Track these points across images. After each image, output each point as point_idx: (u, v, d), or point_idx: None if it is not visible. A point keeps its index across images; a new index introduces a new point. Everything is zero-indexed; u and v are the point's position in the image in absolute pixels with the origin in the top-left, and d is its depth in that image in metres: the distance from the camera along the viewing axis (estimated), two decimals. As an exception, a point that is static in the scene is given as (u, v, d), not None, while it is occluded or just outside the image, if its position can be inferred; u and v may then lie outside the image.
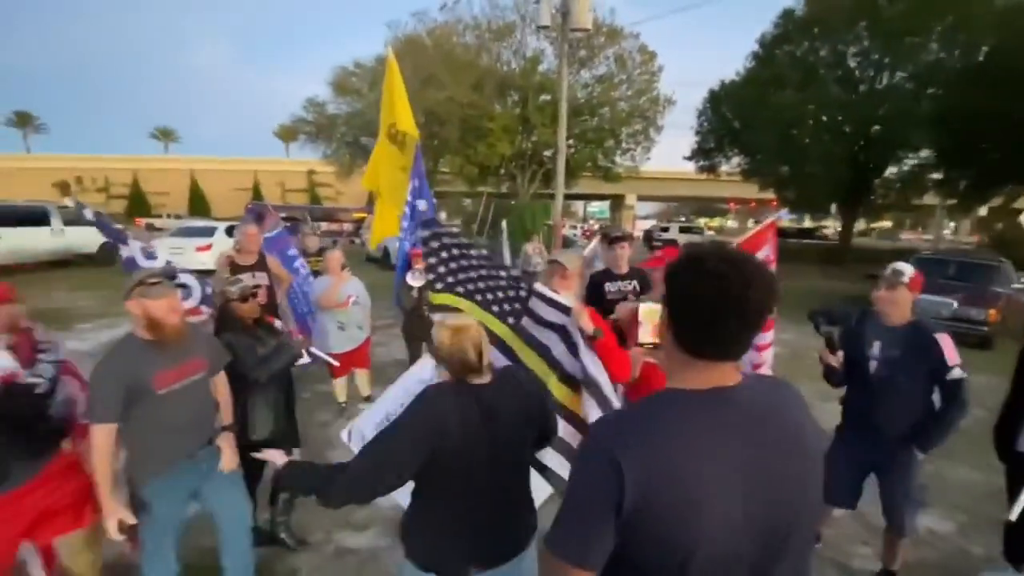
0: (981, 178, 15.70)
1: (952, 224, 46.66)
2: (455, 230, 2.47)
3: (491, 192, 21.20)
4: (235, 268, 4.00)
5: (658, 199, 62.77)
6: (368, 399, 4.54)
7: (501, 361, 2.40)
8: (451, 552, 1.40)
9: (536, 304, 2.18)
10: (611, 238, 3.34)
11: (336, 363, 3.89)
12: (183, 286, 2.94)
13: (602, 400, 2.02)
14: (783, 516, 0.84)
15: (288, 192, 53.70)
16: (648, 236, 27.65)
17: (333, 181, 33.44)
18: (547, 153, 20.08)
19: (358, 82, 21.68)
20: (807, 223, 38.01)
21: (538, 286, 2.18)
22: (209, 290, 2.95)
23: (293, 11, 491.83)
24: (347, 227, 28.68)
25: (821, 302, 10.06)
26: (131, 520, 1.87)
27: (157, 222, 33.89)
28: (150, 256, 2.75)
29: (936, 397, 2.34)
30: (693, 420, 0.85)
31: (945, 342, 2.25)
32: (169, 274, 2.04)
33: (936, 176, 17.99)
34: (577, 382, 2.12)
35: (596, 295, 3.14)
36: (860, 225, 30.14)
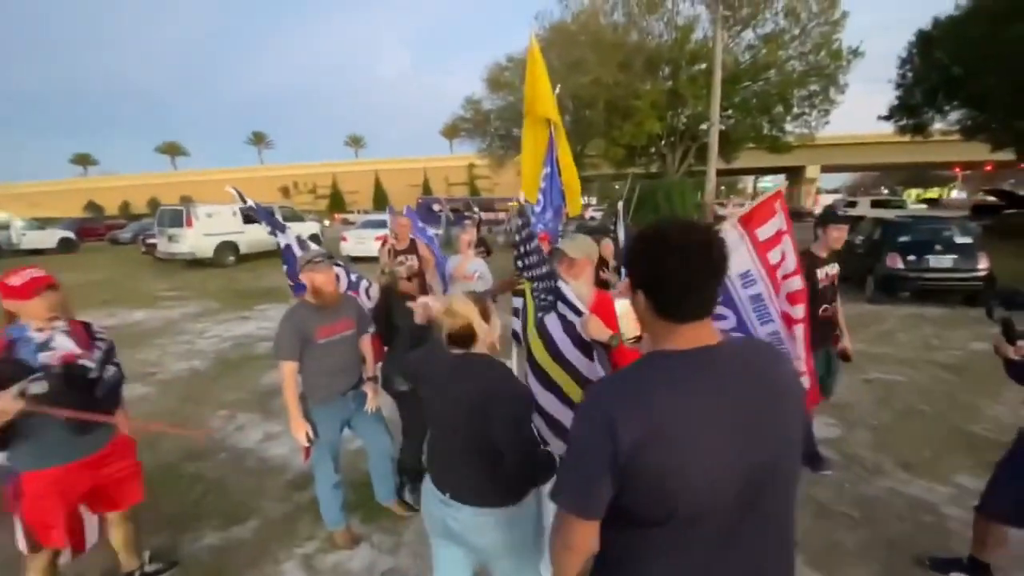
0: None
1: None
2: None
3: (638, 173, 20.49)
4: (393, 252, 4.80)
5: (850, 169, 53.35)
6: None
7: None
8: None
9: (563, 308, 1.97)
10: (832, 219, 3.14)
11: None
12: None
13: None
14: (765, 454, 0.93)
15: (451, 186, 58.99)
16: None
17: (489, 173, 35.61)
18: (703, 127, 18.67)
19: (510, 76, 22.58)
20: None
21: (561, 285, 1.98)
22: (354, 277, 3.47)
23: (462, 18, 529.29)
24: (503, 215, 30.38)
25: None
26: (311, 434, 2.47)
27: (350, 216, 40.07)
28: (303, 245, 3.39)
29: None
30: (684, 378, 0.92)
31: None
32: (327, 255, 2.61)
33: None
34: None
35: (808, 283, 2.66)
36: None
